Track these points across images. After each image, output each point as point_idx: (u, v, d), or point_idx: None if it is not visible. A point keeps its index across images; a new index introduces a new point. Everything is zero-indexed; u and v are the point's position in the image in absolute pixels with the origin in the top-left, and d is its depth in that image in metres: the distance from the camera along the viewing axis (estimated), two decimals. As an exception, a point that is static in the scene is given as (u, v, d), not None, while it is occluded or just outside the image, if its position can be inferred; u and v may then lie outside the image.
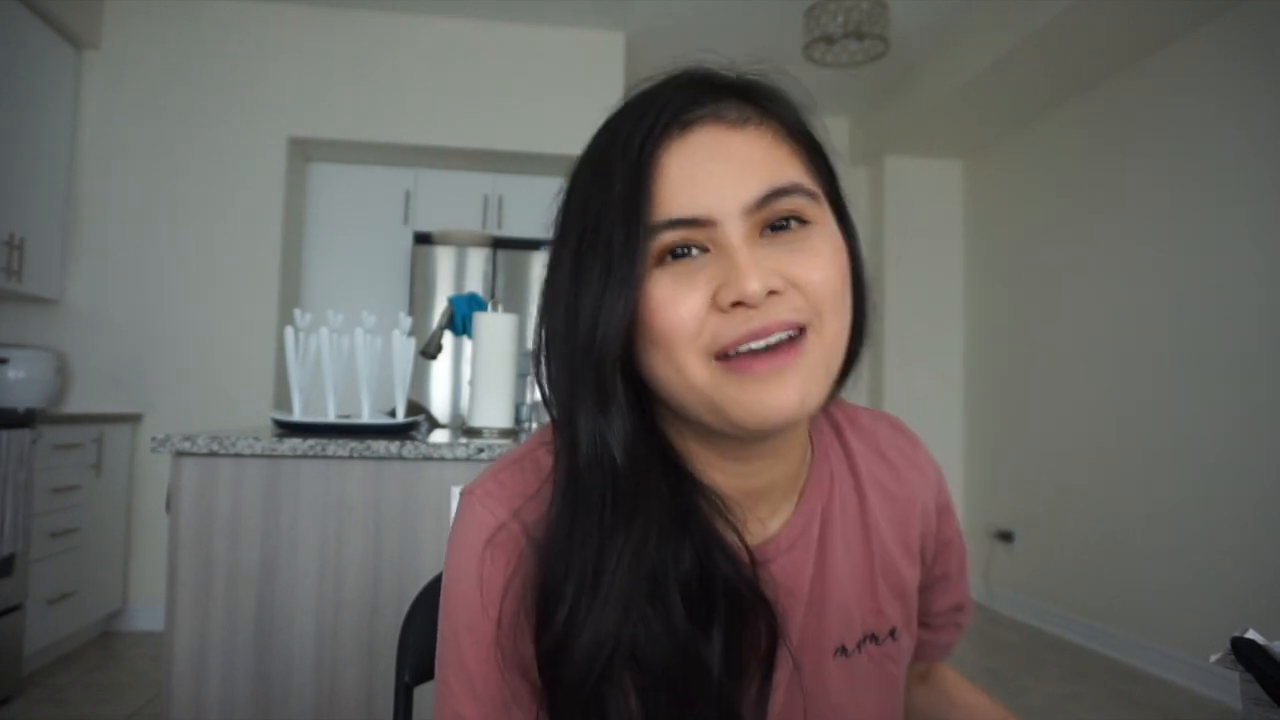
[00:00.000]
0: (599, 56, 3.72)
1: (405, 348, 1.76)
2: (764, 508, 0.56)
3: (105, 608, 3.17)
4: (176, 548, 1.50)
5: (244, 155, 3.48)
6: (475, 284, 3.66)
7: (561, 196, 0.54)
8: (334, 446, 1.53)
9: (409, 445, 1.56)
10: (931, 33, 3.62)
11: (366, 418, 1.74)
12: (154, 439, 1.51)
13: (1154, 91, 3.20)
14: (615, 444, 0.49)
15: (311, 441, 1.53)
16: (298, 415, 1.73)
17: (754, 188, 0.48)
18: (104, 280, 3.35)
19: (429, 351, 2.06)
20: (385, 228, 3.82)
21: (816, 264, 0.49)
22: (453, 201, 3.86)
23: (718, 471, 0.54)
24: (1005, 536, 3.94)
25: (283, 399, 3.44)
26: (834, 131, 3.94)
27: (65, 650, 2.98)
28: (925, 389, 4.37)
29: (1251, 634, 0.52)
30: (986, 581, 4.04)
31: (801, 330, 0.48)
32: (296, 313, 1.79)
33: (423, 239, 3.81)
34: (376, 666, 1.52)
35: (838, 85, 4.18)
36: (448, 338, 2.30)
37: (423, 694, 0.77)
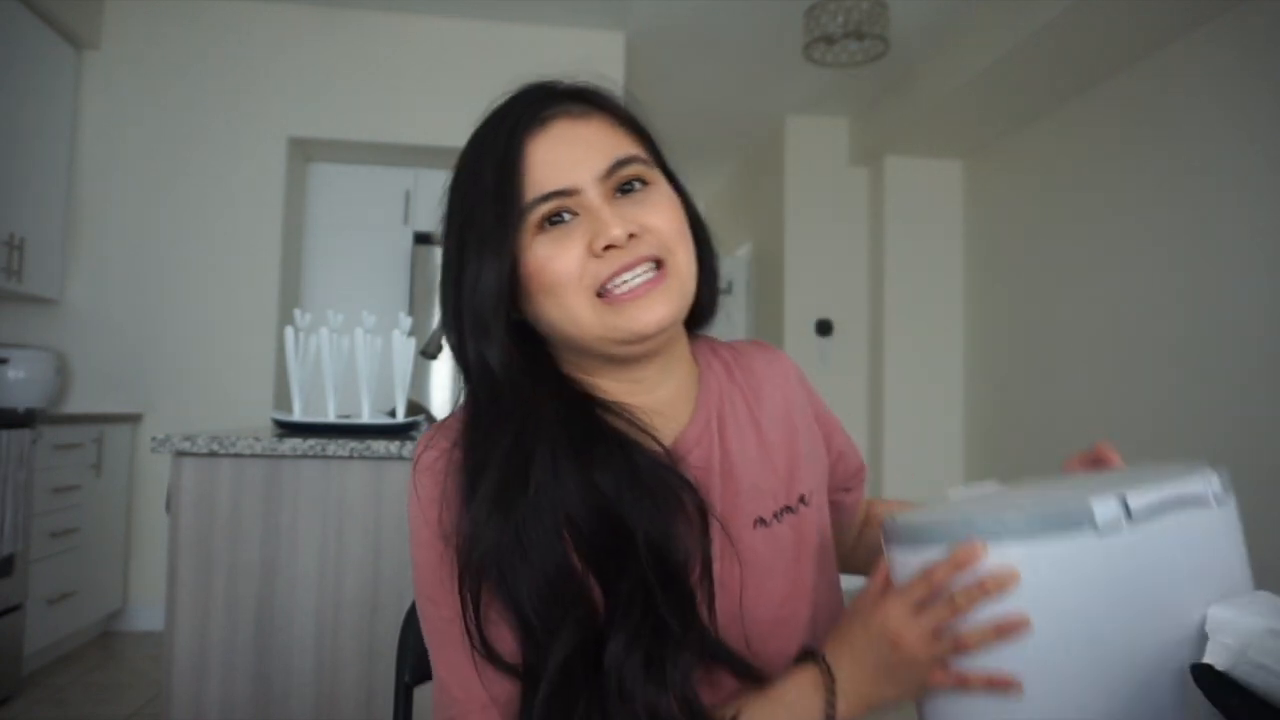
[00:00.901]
0: (599, 56, 3.71)
1: (405, 348, 1.76)
2: (669, 416, 0.69)
3: (105, 608, 3.17)
4: (176, 548, 1.50)
5: (244, 155, 3.48)
6: (475, 284, 3.65)
7: (445, 196, 0.67)
8: (334, 446, 1.53)
9: (409, 445, 1.56)
10: (931, 33, 3.62)
11: (366, 418, 1.74)
12: (154, 439, 1.51)
13: (1154, 91, 3.19)
14: (494, 362, 0.62)
15: (311, 441, 1.53)
16: (298, 415, 1.73)
17: (602, 160, 0.62)
18: (104, 280, 3.35)
19: (429, 351, 2.06)
20: (385, 228, 3.82)
21: (659, 211, 0.63)
22: (453, 201, 3.85)
23: (624, 393, 0.67)
24: (1005, 536, 3.93)
25: (283, 399, 3.44)
26: (834, 132, 3.97)
27: (65, 650, 2.98)
28: (925, 389, 4.37)
29: (1209, 658, 0.52)
30: (986, 581, 4.04)
31: (659, 264, 0.62)
32: (296, 313, 1.79)
33: (423, 239, 3.81)
34: (376, 666, 1.52)
35: (838, 85, 4.18)
36: (448, 338, 2.29)
37: (423, 694, 0.77)
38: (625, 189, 0.64)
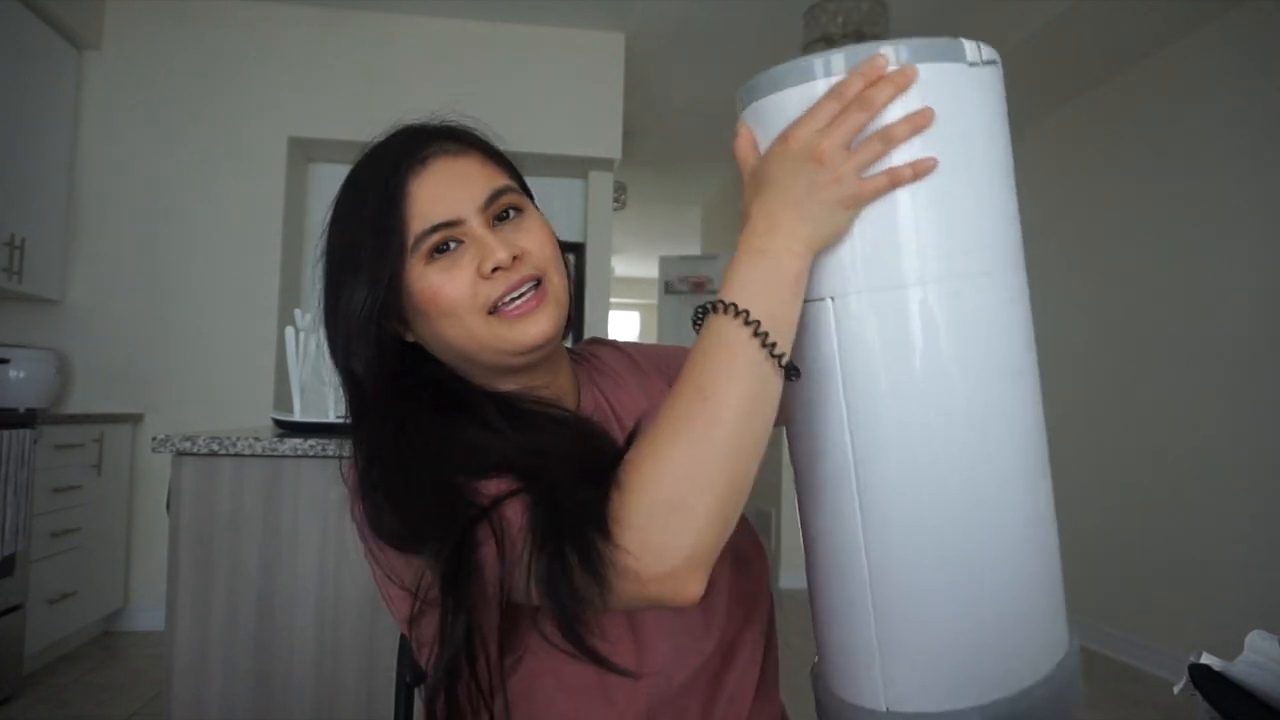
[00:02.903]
0: (599, 56, 3.72)
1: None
2: (568, 401, 0.78)
3: (106, 607, 3.18)
4: (177, 548, 1.50)
5: (244, 155, 3.48)
6: (475, 284, 3.65)
7: (323, 235, 0.73)
8: (334, 446, 1.53)
9: (409, 445, 1.55)
10: (931, 33, 3.60)
11: (367, 418, 1.74)
12: (155, 439, 1.51)
13: (1154, 92, 3.20)
14: (359, 370, 0.69)
15: (311, 441, 1.53)
16: (298, 415, 1.73)
17: (481, 192, 0.69)
18: (104, 280, 3.35)
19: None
20: (385, 228, 3.81)
21: (534, 237, 0.70)
22: (453, 201, 3.85)
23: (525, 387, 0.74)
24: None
25: (283, 399, 3.44)
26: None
27: (65, 650, 2.98)
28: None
29: (1207, 658, 0.52)
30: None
31: (538, 283, 0.69)
32: (296, 313, 1.79)
33: (423, 239, 3.81)
34: (376, 666, 1.52)
35: (838, 85, 4.17)
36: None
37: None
38: (501, 217, 0.70)
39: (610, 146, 3.72)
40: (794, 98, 0.59)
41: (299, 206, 3.72)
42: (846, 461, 0.59)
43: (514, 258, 0.68)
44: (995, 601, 0.58)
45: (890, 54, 0.56)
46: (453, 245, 0.68)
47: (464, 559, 0.57)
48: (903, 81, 0.56)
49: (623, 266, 9.51)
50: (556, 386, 0.77)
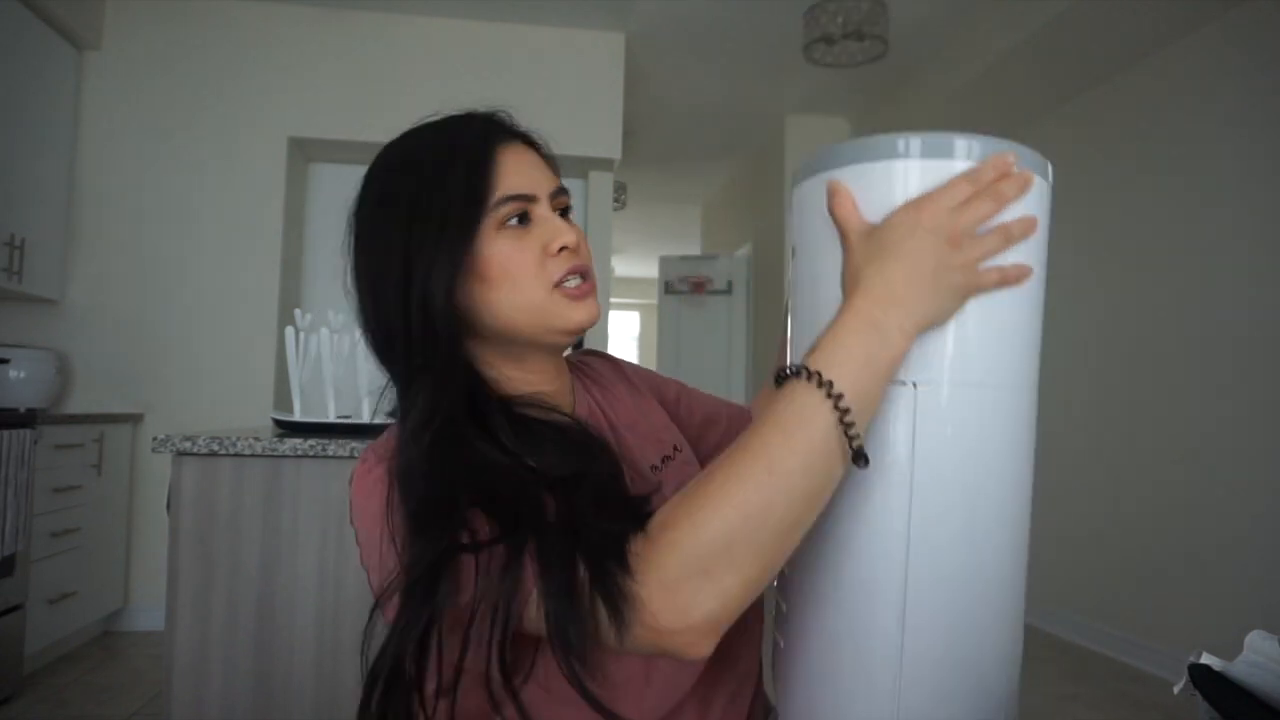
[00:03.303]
0: (599, 56, 3.72)
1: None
2: (564, 403, 0.79)
3: (106, 607, 3.18)
4: (177, 548, 1.50)
5: (244, 155, 3.48)
6: (475, 284, 3.65)
7: (375, 192, 0.72)
8: (334, 446, 1.53)
9: (409, 445, 1.55)
10: (931, 33, 3.62)
11: (366, 418, 1.74)
12: (155, 439, 1.51)
13: (1154, 92, 3.20)
14: (444, 346, 0.68)
15: (311, 441, 1.53)
16: (298, 415, 1.73)
17: (553, 182, 0.74)
18: (104, 280, 3.35)
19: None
20: (385, 228, 3.81)
21: (582, 236, 0.74)
22: (453, 201, 3.85)
23: (529, 383, 0.76)
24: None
25: (283, 399, 3.44)
26: (834, 132, 3.95)
27: (65, 650, 2.98)
28: (925, 389, 4.37)
29: (1207, 658, 0.52)
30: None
31: (584, 276, 0.73)
32: (296, 313, 1.79)
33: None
34: (377, 666, 1.52)
35: (838, 85, 4.18)
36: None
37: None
38: (560, 212, 0.74)
39: (610, 146, 3.72)
40: (914, 170, 0.59)
41: (299, 206, 3.72)
42: (898, 558, 0.57)
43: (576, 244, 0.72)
44: (996, 707, 0.59)
45: (1012, 155, 0.59)
46: (522, 219, 0.70)
47: (438, 578, 0.56)
48: (1024, 185, 0.58)
49: (623, 266, 9.51)
50: (562, 381, 0.79)
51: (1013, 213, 0.58)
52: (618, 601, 0.52)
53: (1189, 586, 2.91)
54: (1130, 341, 3.25)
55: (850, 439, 0.53)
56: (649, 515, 0.57)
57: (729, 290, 5.49)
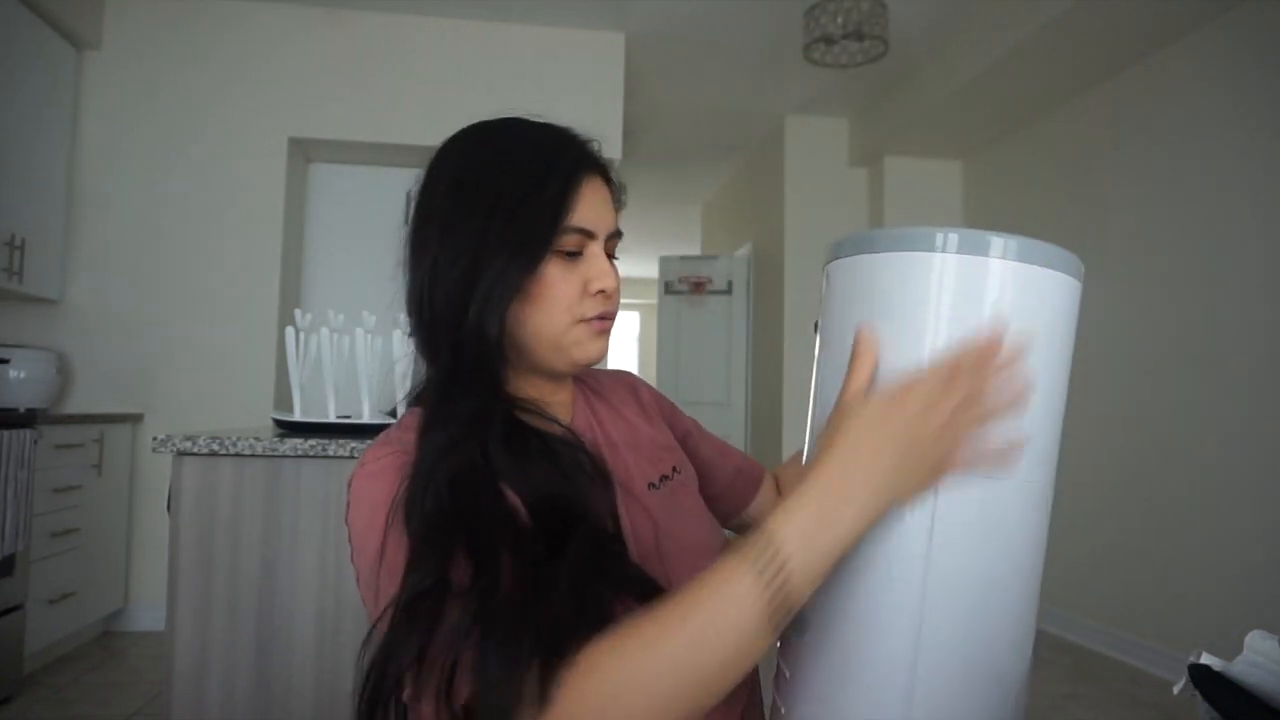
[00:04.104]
0: (599, 56, 3.72)
1: (406, 348, 1.76)
2: (563, 416, 0.81)
3: (106, 608, 3.18)
4: (177, 548, 1.50)
5: (244, 155, 3.48)
6: (475, 284, 3.65)
7: (460, 171, 0.75)
8: (334, 446, 1.53)
9: (409, 445, 1.55)
10: (931, 33, 3.62)
11: (366, 418, 1.74)
12: (155, 439, 1.51)
13: (1154, 91, 3.20)
14: (492, 337, 0.69)
15: (312, 441, 1.53)
16: (298, 415, 1.73)
17: (613, 223, 0.77)
18: (104, 280, 3.35)
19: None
20: (386, 228, 3.78)
21: (620, 282, 0.76)
22: (453, 201, 3.85)
23: (527, 392, 0.78)
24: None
25: (283, 399, 3.44)
26: (834, 132, 3.96)
27: (65, 650, 2.98)
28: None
29: (1206, 658, 0.52)
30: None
31: (613, 316, 0.76)
32: (297, 313, 1.79)
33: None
34: (377, 666, 1.52)
35: (838, 85, 4.18)
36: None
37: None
38: (610, 254, 0.77)
39: (610, 146, 3.71)
40: (950, 265, 0.59)
41: (299, 206, 3.72)
42: (914, 595, 0.57)
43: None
44: None
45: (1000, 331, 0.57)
46: (573, 254, 0.73)
47: (423, 611, 0.59)
48: (1024, 347, 0.56)
49: (623, 266, 9.34)
50: (559, 400, 0.82)
51: (1038, 313, 0.57)
52: (549, 687, 0.53)
53: (1189, 587, 2.91)
54: (1131, 341, 3.25)
55: (776, 617, 0.53)
56: (631, 577, 0.64)
57: (729, 290, 5.49)
